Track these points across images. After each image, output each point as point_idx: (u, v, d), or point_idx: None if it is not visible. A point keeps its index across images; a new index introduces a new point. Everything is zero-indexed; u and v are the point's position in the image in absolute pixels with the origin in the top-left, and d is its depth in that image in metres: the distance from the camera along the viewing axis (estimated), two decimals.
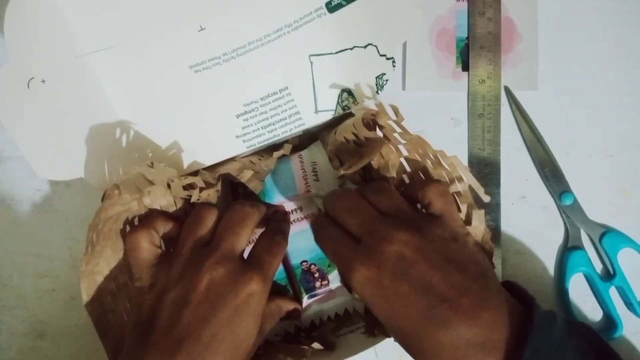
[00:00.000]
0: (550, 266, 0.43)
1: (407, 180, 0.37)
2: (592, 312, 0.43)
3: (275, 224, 0.37)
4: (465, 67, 0.42)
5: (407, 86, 0.42)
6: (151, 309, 0.31)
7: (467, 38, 0.42)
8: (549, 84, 0.42)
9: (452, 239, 0.30)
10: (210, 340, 0.29)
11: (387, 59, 0.38)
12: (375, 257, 0.29)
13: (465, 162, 0.43)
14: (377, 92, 0.38)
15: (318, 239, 0.34)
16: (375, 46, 0.37)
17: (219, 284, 0.30)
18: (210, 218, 0.33)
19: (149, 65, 0.36)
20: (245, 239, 0.33)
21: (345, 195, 0.34)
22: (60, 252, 0.43)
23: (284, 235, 0.36)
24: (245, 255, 0.34)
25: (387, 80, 0.38)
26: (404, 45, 0.42)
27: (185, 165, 0.39)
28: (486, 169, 0.42)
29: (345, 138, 0.37)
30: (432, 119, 0.43)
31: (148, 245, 0.33)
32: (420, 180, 0.35)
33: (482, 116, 0.42)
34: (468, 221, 0.33)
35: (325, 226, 0.34)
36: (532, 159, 0.43)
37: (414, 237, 0.29)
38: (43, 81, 0.35)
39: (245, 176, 0.36)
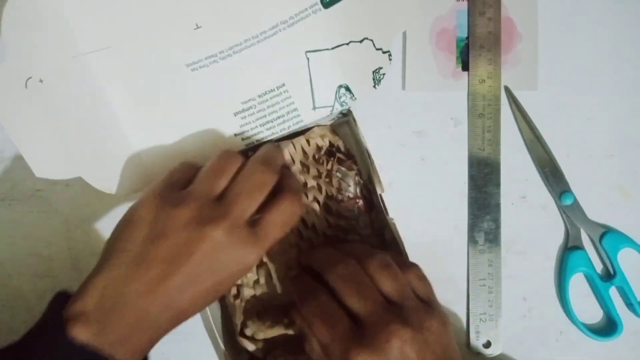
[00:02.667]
0: (550, 266, 0.43)
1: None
2: (592, 312, 0.43)
3: (287, 181, 0.35)
4: (466, 67, 0.42)
5: (407, 86, 0.42)
6: (144, 247, 0.31)
7: (467, 38, 0.42)
8: (549, 83, 0.42)
9: (444, 326, 0.33)
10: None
11: (384, 52, 0.38)
12: (381, 348, 0.30)
13: (465, 162, 0.43)
14: (374, 86, 0.38)
15: (304, 303, 0.33)
16: (371, 40, 0.37)
17: (219, 248, 0.31)
18: (231, 170, 0.33)
19: (146, 65, 0.36)
20: (256, 205, 0.32)
21: (348, 265, 0.33)
22: (60, 252, 0.43)
23: (299, 195, 0.35)
24: None
25: (384, 74, 0.38)
26: (404, 45, 0.42)
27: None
28: (486, 169, 0.42)
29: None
30: (432, 118, 0.43)
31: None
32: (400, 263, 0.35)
33: (482, 116, 0.42)
34: None
35: (315, 291, 0.33)
36: (532, 159, 0.43)
37: (417, 336, 0.31)
38: (41, 81, 0.35)
39: None
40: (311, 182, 0.39)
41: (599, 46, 0.43)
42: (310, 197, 0.39)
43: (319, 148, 0.40)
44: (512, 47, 0.42)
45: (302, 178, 0.39)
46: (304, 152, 0.40)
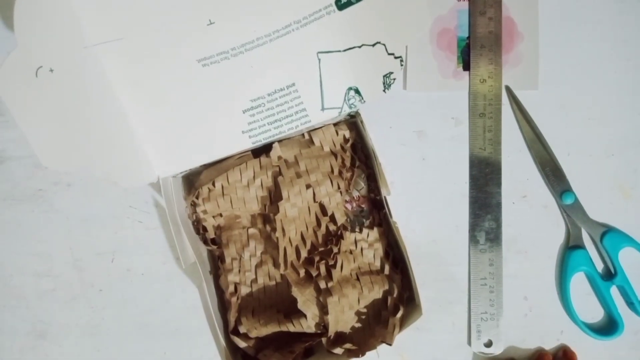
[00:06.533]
0: (551, 265, 0.43)
1: None
2: (593, 311, 0.43)
3: None
4: (466, 67, 0.42)
5: (408, 86, 0.43)
6: None
7: (468, 38, 0.42)
8: (549, 83, 0.42)
9: None
10: None
11: (395, 57, 0.38)
12: None
13: (466, 161, 0.43)
14: (384, 90, 0.38)
15: None
16: (384, 45, 0.37)
17: None
18: None
19: (157, 58, 0.36)
20: None
21: None
22: (61, 252, 0.43)
23: None
24: None
25: (394, 79, 0.38)
26: (405, 45, 0.42)
27: (189, 160, 0.39)
28: (487, 169, 0.42)
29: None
30: (433, 118, 0.43)
31: None
32: None
33: (483, 115, 0.42)
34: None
35: None
36: (533, 159, 0.43)
37: None
38: (51, 70, 0.35)
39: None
40: (336, 170, 0.40)
41: (599, 46, 0.43)
42: (335, 184, 0.40)
43: (345, 139, 0.41)
44: (513, 47, 0.42)
45: (329, 164, 0.40)
46: (333, 141, 0.40)
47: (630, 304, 0.42)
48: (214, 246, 0.41)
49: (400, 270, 0.40)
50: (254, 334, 0.39)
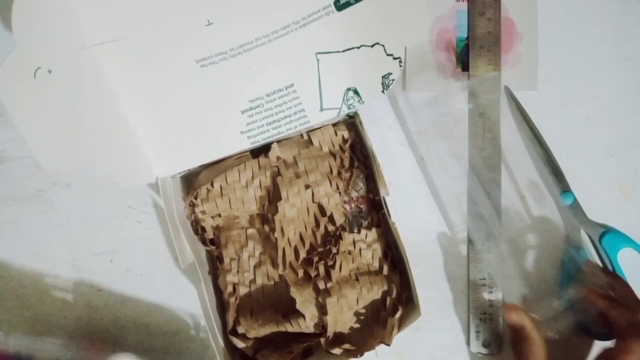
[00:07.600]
0: (550, 266, 0.43)
1: None
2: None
3: None
4: (465, 67, 0.42)
5: (407, 86, 0.43)
6: None
7: (467, 38, 0.42)
8: (548, 83, 0.42)
9: None
10: None
11: (394, 58, 0.38)
12: None
13: (465, 162, 0.43)
14: (382, 91, 0.38)
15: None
16: (383, 45, 0.37)
17: None
18: None
19: (155, 59, 0.36)
20: None
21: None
22: (61, 252, 0.43)
23: None
24: None
25: (393, 80, 0.38)
26: (404, 47, 0.42)
27: (188, 161, 0.39)
28: (486, 169, 0.42)
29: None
30: (432, 118, 0.43)
31: None
32: None
33: (482, 116, 0.42)
34: None
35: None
36: (532, 159, 0.43)
37: None
38: (49, 71, 0.35)
39: None
40: (335, 171, 0.40)
41: (599, 46, 0.43)
42: (334, 185, 0.40)
43: (344, 140, 0.41)
44: (512, 47, 0.42)
45: (328, 165, 0.40)
46: (332, 141, 0.40)
47: None
48: (213, 246, 0.41)
49: (399, 270, 0.40)
50: (252, 334, 0.39)
